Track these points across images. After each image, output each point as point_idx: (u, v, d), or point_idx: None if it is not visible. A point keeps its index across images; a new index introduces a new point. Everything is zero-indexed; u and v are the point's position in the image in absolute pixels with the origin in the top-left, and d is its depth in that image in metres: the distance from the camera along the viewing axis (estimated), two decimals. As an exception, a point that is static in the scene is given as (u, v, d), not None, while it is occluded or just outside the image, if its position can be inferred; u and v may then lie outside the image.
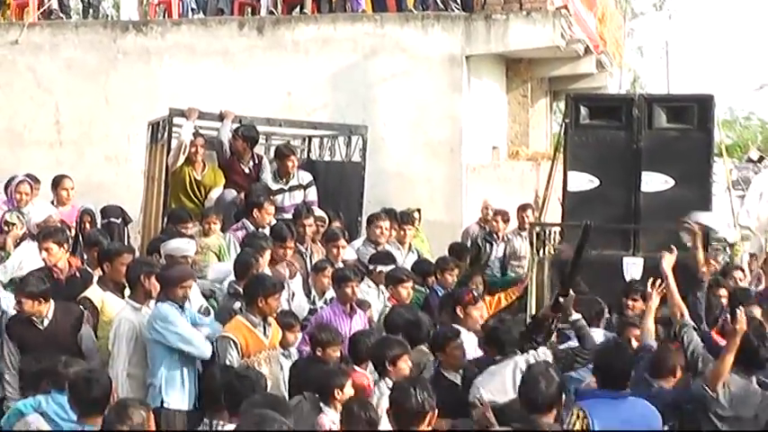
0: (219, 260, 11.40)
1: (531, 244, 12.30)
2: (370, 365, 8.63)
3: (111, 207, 12.56)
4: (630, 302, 10.24)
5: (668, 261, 9.02)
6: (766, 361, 8.04)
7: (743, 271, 11.92)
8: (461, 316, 9.63)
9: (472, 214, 16.50)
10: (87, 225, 12.08)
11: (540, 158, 18.38)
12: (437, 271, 11.68)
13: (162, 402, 8.66)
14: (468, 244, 14.66)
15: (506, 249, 14.71)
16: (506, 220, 14.96)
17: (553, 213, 13.15)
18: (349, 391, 7.75)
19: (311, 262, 11.63)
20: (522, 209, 15.14)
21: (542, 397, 6.36)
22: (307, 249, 11.87)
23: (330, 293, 10.79)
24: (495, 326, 8.56)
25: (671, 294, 8.70)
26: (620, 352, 7.55)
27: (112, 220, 12.30)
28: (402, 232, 12.72)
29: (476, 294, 10.08)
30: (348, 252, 11.97)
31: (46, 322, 8.86)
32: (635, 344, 8.86)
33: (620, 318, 10.05)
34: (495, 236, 14.83)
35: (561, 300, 8.83)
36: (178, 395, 8.75)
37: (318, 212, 12.94)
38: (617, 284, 10.98)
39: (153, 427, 6.25)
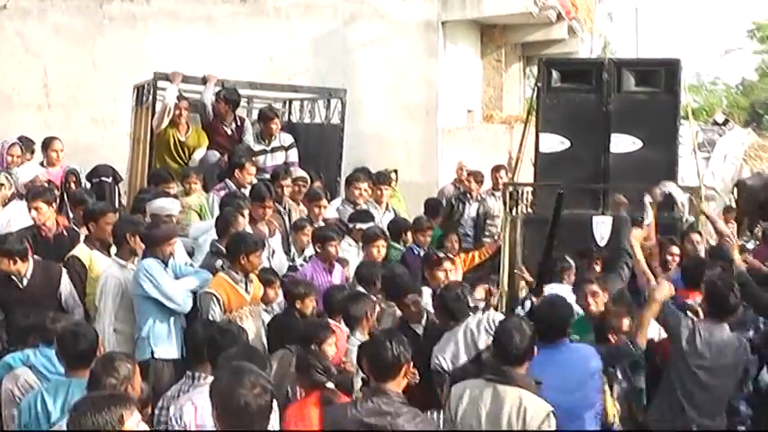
0: (201, 218, 11.38)
1: (505, 203, 12.25)
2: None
3: (102, 166, 12.49)
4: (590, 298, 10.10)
5: (636, 235, 9.02)
6: (736, 307, 8.10)
7: (701, 234, 11.89)
8: (428, 278, 9.66)
9: (447, 175, 16.53)
10: (72, 185, 12.06)
11: (514, 121, 18.37)
12: (413, 230, 11.70)
13: (152, 354, 8.71)
14: (444, 203, 14.65)
15: (479, 209, 14.70)
16: (479, 181, 14.95)
17: (526, 174, 13.17)
18: (330, 348, 7.74)
19: (290, 221, 11.62)
20: (496, 170, 15.14)
21: (516, 350, 6.36)
22: (285, 208, 11.85)
23: (309, 251, 10.78)
24: (441, 293, 8.53)
25: (637, 264, 8.70)
26: (556, 307, 7.51)
27: (103, 179, 12.24)
28: (379, 192, 12.69)
29: (441, 256, 10.08)
30: (329, 211, 11.97)
31: (26, 281, 8.85)
32: (590, 300, 8.77)
33: (579, 275, 9.86)
34: (468, 196, 14.83)
35: (533, 299, 8.90)
36: (166, 346, 8.79)
37: (300, 173, 12.94)
38: (587, 242, 11.00)
39: (139, 380, 6.23)
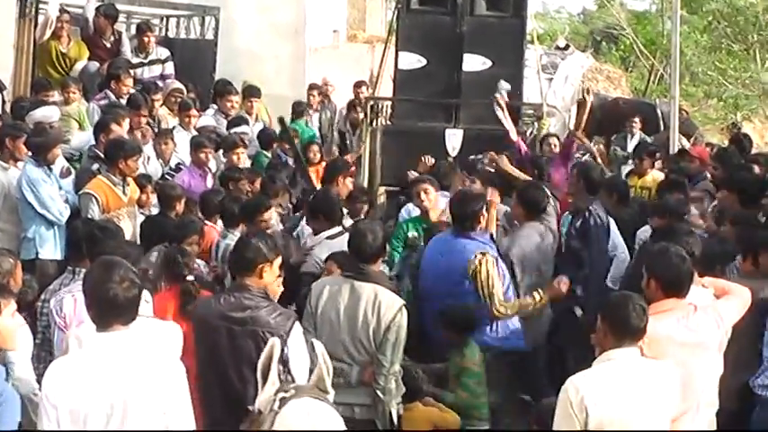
0: (81, 127, 11.12)
1: (366, 116, 12.33)
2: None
3: (-17, 75, 12.22)
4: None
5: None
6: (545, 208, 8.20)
7: (558, 138, 12.12)
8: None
9: (314, 90, 16.42)
10: (-46, 94, 11.73)
11: (375, 41, 18.38)
12: (279, 140, 11.76)
13: (36, 254, 8.61)
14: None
15: (321, 118, 14.67)
16: (321, 93, 15.05)
17: (386, 89, 13.28)
18: (191, 247, 7.61)
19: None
20: (358, 85, 15.10)
21: (370, 248, 6.37)
22: (155, 120, 11.70)
23: (175, 160, 10.66)
24: (313, 199, 8.32)
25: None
26: (468, 201, 7.54)
27: (-15, 87, 11.98)
28: (249, 104, 12.57)
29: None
30: (206, 120, 11.83)
31: None
32: (423, 196, 8.73)
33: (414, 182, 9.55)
34: (309, 108, 14.76)
35: None
36: (50, 247, 8.69)
37: (176, 84, 12.77)
38: (440, 152, 11.10)
39: (20, 274, 6.18)
